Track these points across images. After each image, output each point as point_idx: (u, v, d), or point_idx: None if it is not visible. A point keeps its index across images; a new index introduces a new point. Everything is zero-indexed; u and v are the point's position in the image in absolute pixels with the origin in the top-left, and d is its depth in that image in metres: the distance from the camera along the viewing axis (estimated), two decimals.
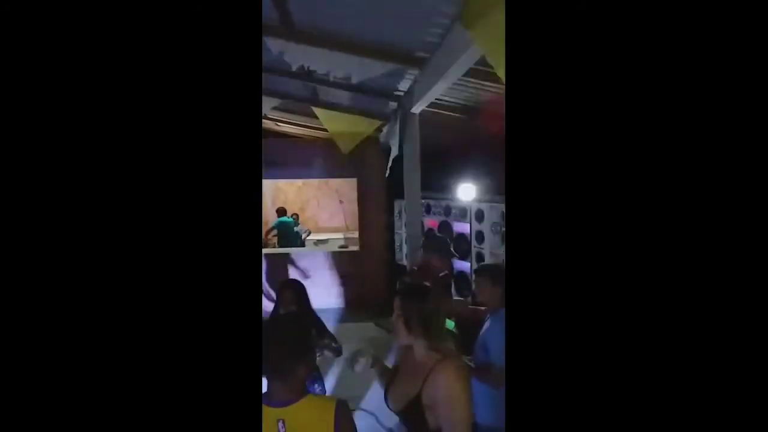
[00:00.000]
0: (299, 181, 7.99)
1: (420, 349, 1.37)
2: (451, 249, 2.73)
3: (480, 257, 4.12)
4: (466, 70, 2.27)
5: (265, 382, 1.18)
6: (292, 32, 2.61)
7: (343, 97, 3.83)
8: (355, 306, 5.69)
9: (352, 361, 1.53)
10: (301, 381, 1.22)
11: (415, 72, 2.90)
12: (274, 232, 6.81)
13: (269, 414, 1.15)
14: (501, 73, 1.56)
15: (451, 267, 2.98)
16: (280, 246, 6.71)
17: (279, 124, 5.96)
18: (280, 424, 1.15)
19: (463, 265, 4.34)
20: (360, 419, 1.84)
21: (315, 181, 7.93)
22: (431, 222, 4.88)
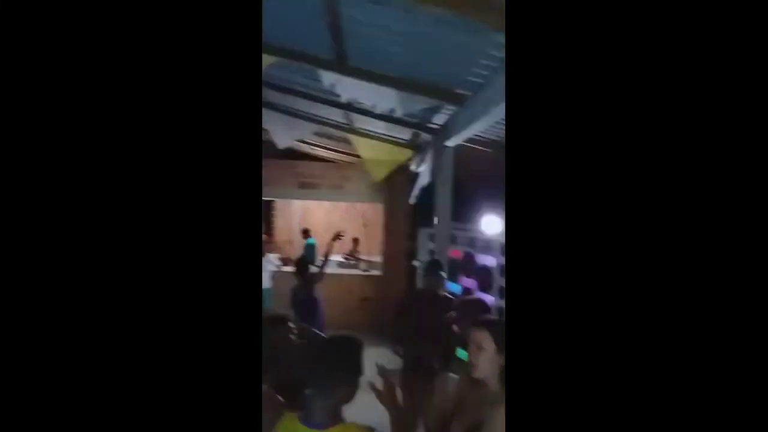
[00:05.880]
0: (327, 204, 8.19)
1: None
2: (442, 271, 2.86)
3: (502, 291, 4.17)
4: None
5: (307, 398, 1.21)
6: (345, 67, 2.81)
7: (380, 126, 4.02)
8: (373, 331, 5.72)
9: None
10: (340, 406, 1.22)
11: (453, 108, 3.07)
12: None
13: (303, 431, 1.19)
14: None
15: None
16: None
17: (315, 148, 6.20)
18: None
19: (487, 298, 4.38)
20: None
21: (342, 204, 8.12)
22: (455, 252, 4.95)
